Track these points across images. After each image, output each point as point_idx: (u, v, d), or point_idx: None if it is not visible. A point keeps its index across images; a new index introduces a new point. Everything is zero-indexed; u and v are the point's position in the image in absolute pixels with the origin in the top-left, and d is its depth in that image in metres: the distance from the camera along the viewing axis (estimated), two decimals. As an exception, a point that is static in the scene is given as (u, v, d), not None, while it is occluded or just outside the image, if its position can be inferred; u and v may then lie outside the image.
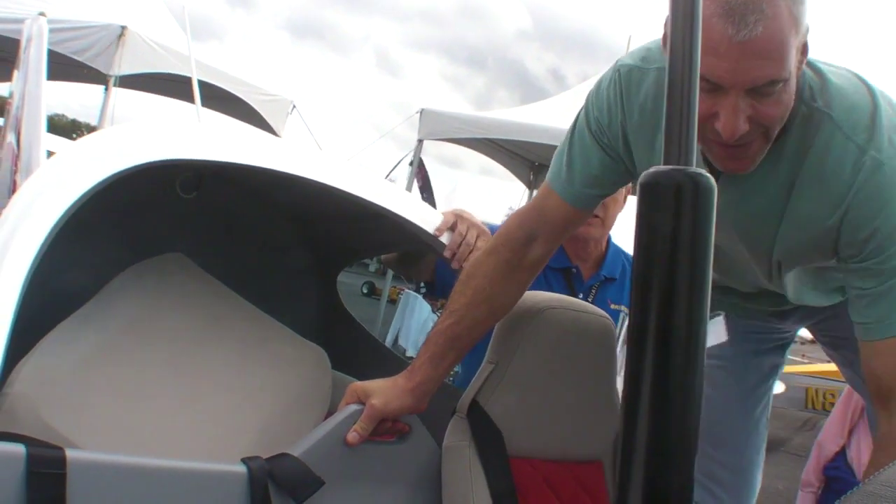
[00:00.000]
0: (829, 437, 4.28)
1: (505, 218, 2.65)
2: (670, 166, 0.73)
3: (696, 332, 0.71)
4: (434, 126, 13.27)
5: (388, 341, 12.40)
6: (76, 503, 1.85)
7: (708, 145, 1.95)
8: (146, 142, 2.32)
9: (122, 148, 2.25)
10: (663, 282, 0.71)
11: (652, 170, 0.73)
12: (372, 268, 25.14)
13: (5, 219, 2.06)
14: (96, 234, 2.69)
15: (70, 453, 1.87)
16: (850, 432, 4.25)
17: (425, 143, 13.88)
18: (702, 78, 1.74)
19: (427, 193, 14.23)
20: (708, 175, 0.73)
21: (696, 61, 0.77)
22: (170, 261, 2.90)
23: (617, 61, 2.24)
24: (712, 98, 1.83)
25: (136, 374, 2.53)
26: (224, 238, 3.31)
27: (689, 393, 0.71)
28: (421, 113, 13.30)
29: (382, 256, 3.82)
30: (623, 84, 2.20)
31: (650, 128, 2.15)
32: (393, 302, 16.09)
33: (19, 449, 1.82)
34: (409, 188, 13.78)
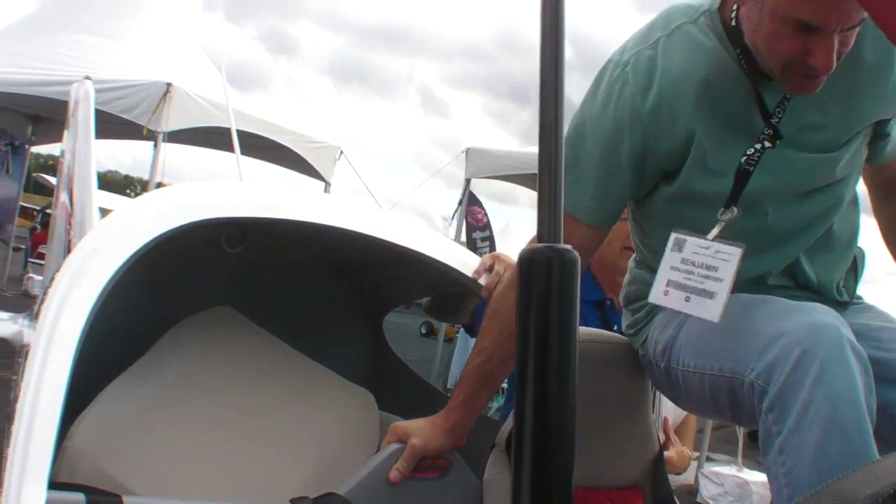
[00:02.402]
0: None
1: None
2: (544, 244, 0.85)
3: (566, 369, 0.83)
4: (480, 164, 13.39)
5: (452, 380, 12.41)
6: None
7: (790, 76, 2.06)
8: (191, 201, 2.44)
9: (168, 208, 2.37)
10: (539, 333, 0.83)
11: (528, 247, 0.85)
12: (431, 308, 25.13)
13: (61, 278, 2.18)
14: (147, 291, 2.80)
15: (127, 500, 1.98)
16: None
17: (475, 181, 13.99)
18: (796, 20, 1.93)
19: (488, 231, 14.32)
20: (571, 249, 0.85)
21: (560, 146, 0.89)
22: (218, 314, 3.02)
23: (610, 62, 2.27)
24: (804, 37, 1.95)
25: (190, 424, 2.64)
26: (270, 289, 3.42)
27: (563, 417, 0.82)
28: (467, 152, 13.42)
29: (422, 303, 3.90)
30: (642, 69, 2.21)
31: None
32: (450, 341, 16.13)
33: (79, 497, 1.94)
34: (459, 226, 13.89)
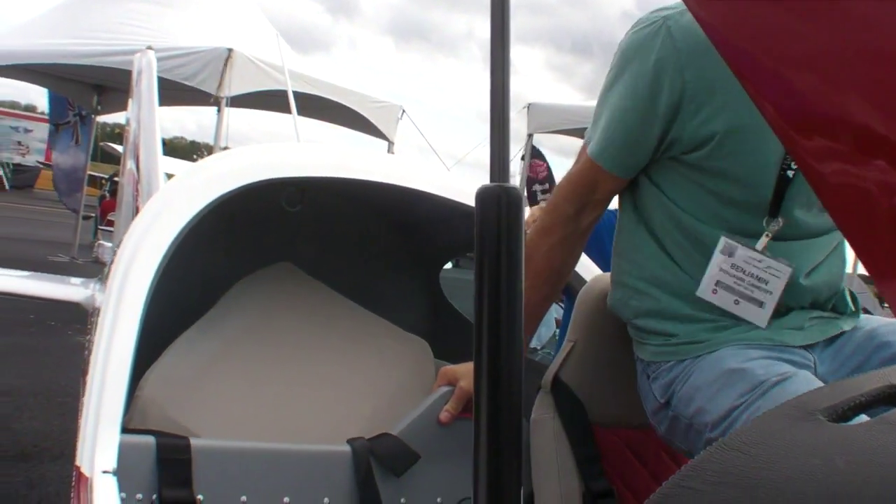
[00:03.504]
0: None
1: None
2: (494, 183, 0.97)
3: (514, 293, 0.96)
4: (543, 119, 13.39)
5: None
6: (201, 484, 2.10)
7: None
8: (248, 164, 2.56)
9: (226, 171, 2.50)
10: (491, 262, 0.96)
11: (482, 186, 0.97)
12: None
13: (128, 241, 2.32)
14: (211, 250, 2.93)
15: (194, 441, 2.13)
16: None
17: (540, 136, 13.99)
18: None
19: (548, 184, 14.33)
20: (516, 187, 0.97)
21: (507, 89, 1.01)
22: (280, 270, 3.15)
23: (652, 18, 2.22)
24: None
25: (253, 374, 2.78)
26: (328, 245, 3.54)
27: (512, 335, 0.95)
28: (528, 107, 13.41)
29: None
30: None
31: None
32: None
33: (150, 440, 2.09)
34: (521, 182, 13.90)
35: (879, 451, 0.77)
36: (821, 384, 1.95)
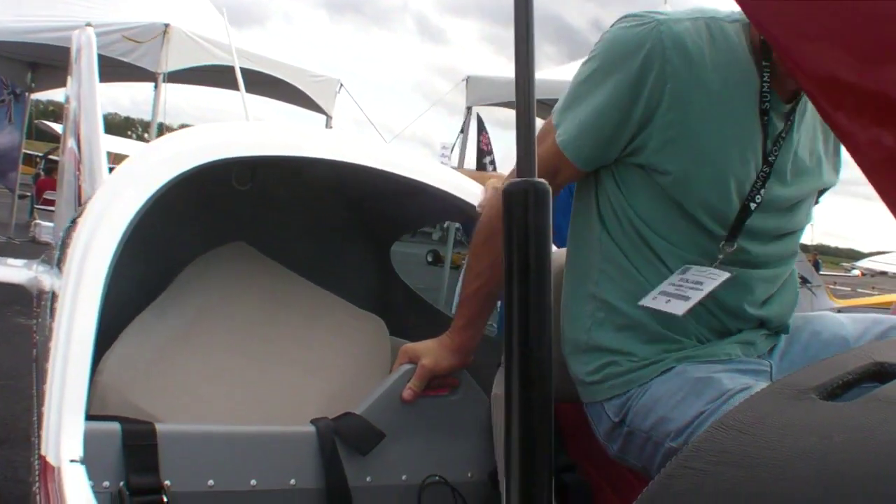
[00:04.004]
0: None
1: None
2: (522, 178, 0.97)
3: (543, 287, 0.97)
4: (482, 92, 13.41)
5: (454, 307, 12.53)
6: (168, 469, 2.09)
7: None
8: (202, 144, 2.54)
9: (181, 151, 2.48)
10: (521, 257, 0.97)
11: (508, 182, 0.97)
12: (435, 236, 25.18)
13: (83, 225, 2.30)
14: (165, 231, 2.91)
15: (159, 426, 2.12)
16: None
17: (477, 108, 14.02)
18: None
19: (487, 157, 14.39)
20: (544, 182, 0.97)
21: (532, 88, 1.01)
22: (232, 250, 3.13)
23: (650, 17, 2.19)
24: None
25: (210, 355, 2.77)
26: (280, 223, 3.53)
27: (542, 332, 0.96)
28: (467, 80, 13.43)
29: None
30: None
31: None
32: (457, 268, 16.24)
33: (115, 426, 2.08)
34: (461, 154, 13.94)
35: (874, 428, 0.79)
36: None
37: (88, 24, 6.28)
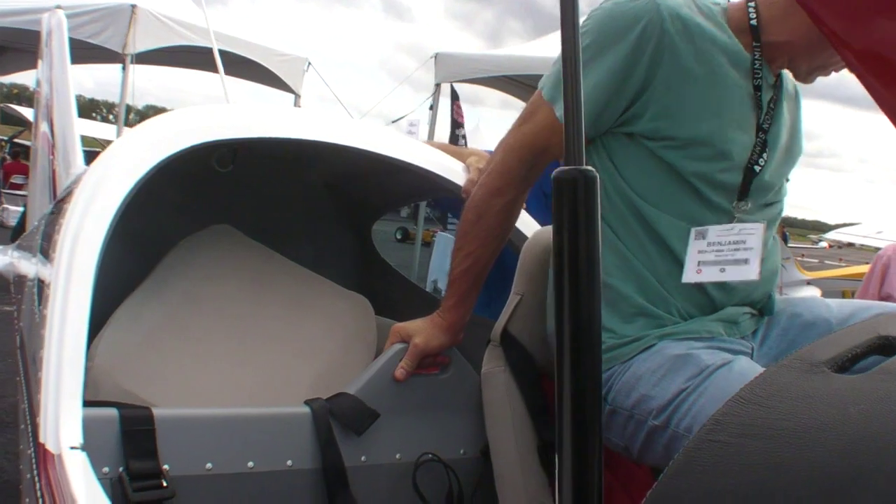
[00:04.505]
0: None
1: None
2: (571, 166, 1.00)
3: (592, 273, 0.99)
4: (450, 69, 13.39)
5: (429, 284, 12.55)
6: (166, 453, 2.10)
7: (813, 76, 2.35)
8: (188, 127, 2.55)
9: (166, 136, 2.49)
10: (571, 243, 0.99)
11: (559, 169, 0.99)
12: (404, 213, 25.21)
13: (74, 207, 2.31)
14: (150, 214, 2.92)
15: (156, 411, 2.13)
16: None
17: (447, 86, 14.02)
18: None
19: (461, 129, 14.44)
20: (591, 169, 1.00)
21: (579, 77, 1.04)
22: (217, 232, 3.14)
23: None
24: None
25: (199, 338, 2.78)
26: (263, 205, 3.54)
27: (592, 314, 0.98)
28: (436, 57, 13.41)
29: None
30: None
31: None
32: (427, 245, 16.27)
33: (112, 412, 2.08)
34: (429, 131, 13.96)
35: (886, 400, 0.82)
36: (761, 368, 2.01)
37: (58, 7, 6.25)
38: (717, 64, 2.22)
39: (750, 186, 2.27)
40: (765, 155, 2.29)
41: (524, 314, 2.52)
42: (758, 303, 2.41)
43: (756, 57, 2.27)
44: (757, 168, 2.27)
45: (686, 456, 0.82)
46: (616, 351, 2.24)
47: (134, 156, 2.42)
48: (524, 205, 2.58)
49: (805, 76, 2.37)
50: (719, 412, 0.85)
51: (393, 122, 14.85)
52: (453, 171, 2.95)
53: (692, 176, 2.23)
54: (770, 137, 2.31)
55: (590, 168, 1.01)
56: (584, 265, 0.99)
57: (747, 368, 2.01)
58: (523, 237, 2.76)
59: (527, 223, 2.93)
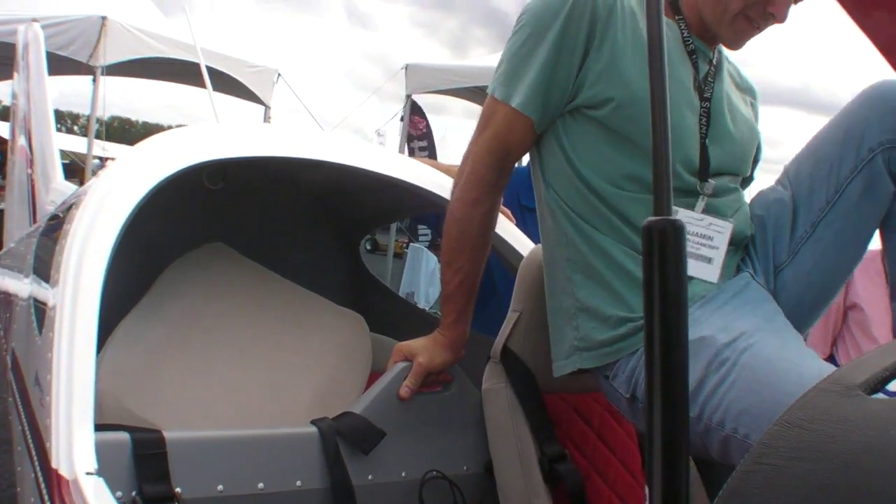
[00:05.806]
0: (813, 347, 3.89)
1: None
2: (662, 217, 1.03)
3: (680, 319, 1.02)
4: (421, 80, 13.40)
5: (403, 294, 12.54)
6: (178, 476, 2.11)
7: (737, 24, 2.30)
8: (185, 148, 2.57)
9: (165, 157, 2.50)
10: (662, 286, 1.03)
11: (650, 219, 1.03)
12: (372, 223, 25.27)
13: (76, 228, 2.32)
14: (142, 234, 2.93)
15: (167, 434, 2.13)
16: (835, 342, 4.28)
17: (417, 96, 14.06)
18: None
19: (428, 141, 14.48)
20: (679, 219, 1.03)
21: (667, 124, 1.08)
22: (210, 250, 3.16)
23: None
24: None
25: (199, 357, 2.79)
26: (255, 222, 3.55)
27: (680, 357, 1.02)
28: (406, 69, 13.42)
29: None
30: None
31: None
32: (398, 256, 16.24)
33: (125, 436, 2.09)
34: (401, 143, 13.99)
35: None
36: (777, 341, 2.04)
37: (34, 20, 6.23)
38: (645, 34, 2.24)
39: (709, 162, 2.29)
40: (710, 126, 2.31)
41: (524, 330, 2.54)
42: (739, 244, 2.40)
43: (682, 27, 2.35)
44: (707, 141, 2.30)
45: (740, 479, 0.86)
46: (628, 341, 2.23)
47: (137, 176, 2.43)
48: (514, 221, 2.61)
49: (728, 34, 2.34)
50: (768, 435, 0.88)
51: (378, 134, 14.89)
52: (443, 187, 2.97)
53: (641, 137, 2.22)
54: (714, 105, 2.33)
55: (678, 219, 1.04)
56: (672, 312, 1.02)
57: (767, 350, 2.00)
58: (519, 255, 2.79)
59: (522, 242, 2.96)
